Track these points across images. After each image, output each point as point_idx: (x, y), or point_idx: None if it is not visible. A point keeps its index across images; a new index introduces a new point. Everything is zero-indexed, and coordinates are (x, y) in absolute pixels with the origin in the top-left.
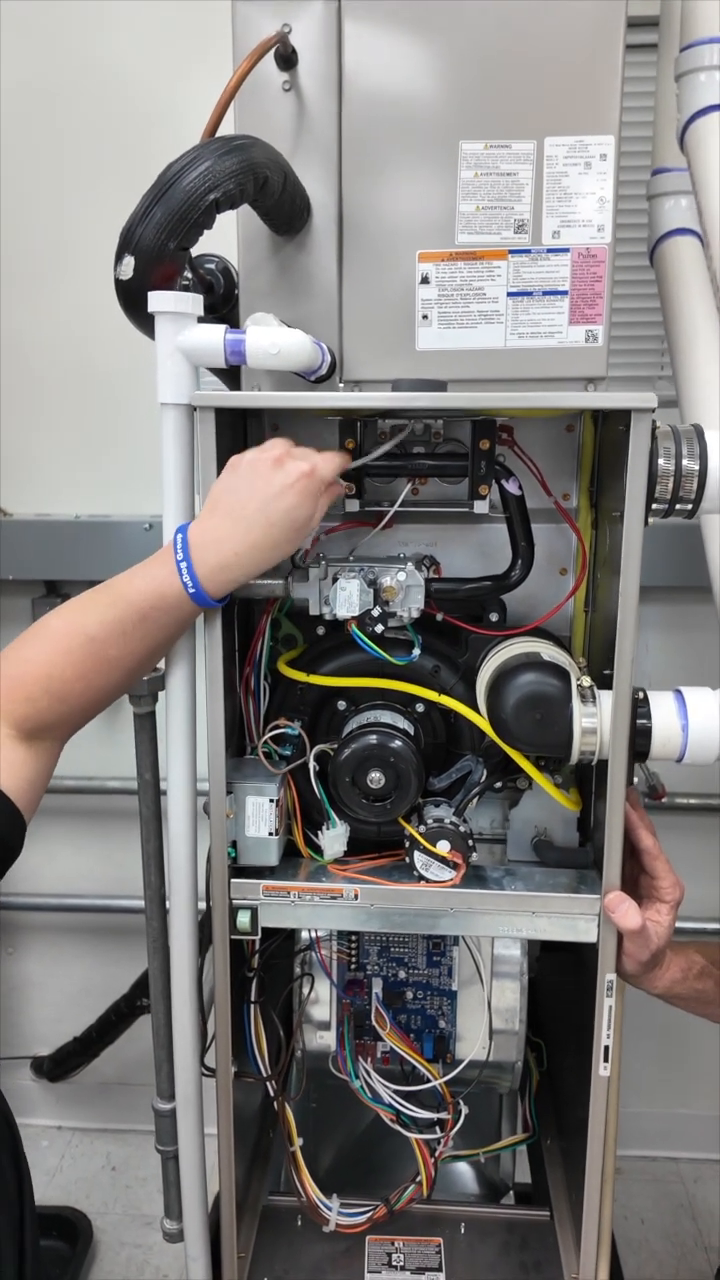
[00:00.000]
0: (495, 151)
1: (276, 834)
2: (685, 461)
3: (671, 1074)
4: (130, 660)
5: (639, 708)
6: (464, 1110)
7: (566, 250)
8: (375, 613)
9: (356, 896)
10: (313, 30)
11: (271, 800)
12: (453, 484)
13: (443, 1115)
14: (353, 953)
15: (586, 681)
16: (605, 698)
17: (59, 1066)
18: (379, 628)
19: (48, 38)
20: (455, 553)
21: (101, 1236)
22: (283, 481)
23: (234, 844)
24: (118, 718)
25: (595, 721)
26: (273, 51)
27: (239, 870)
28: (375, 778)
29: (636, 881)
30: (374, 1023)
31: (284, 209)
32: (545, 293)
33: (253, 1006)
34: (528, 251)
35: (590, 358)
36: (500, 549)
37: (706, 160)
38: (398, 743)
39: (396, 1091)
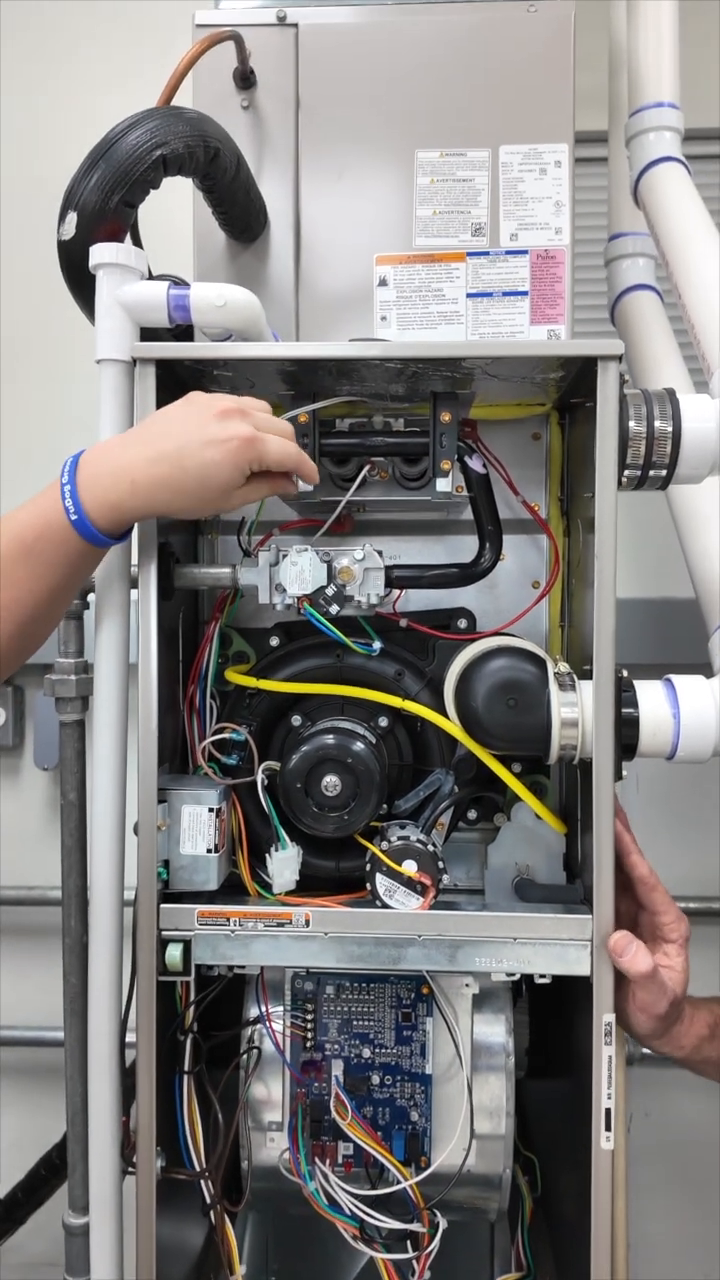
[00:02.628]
0: (451, 159)
1: (216, 851)
2: (657, 423)
3: (701, 1244)
4: (20, 608)
5: (623, 693)
6: (441, 1223)
7: (525, 252)
8: (330, 591)
9: (308, 922)
10: (270, 53)
11: (211, 810)
12: (414, 484)
13: (416, 1228)
14: (309, 1027)
15: (564, 668)
16: (586, 687)
17: None
18: (334, 608)
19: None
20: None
21: None
22: (216, 434)
23: (166, 864)
24: (48, 812)
25: (576, 711)
26: (231, 72)
27: (171, 895)
28: (331, 782)
29: (635, 921)
30: (334, 1113)
31: (238, 200)
32: (505, 293)
33: (185, 1077)
34: (486, 254)
35: None
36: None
37: (661, 201)
38: (358, 745)
39: (360, 1198)
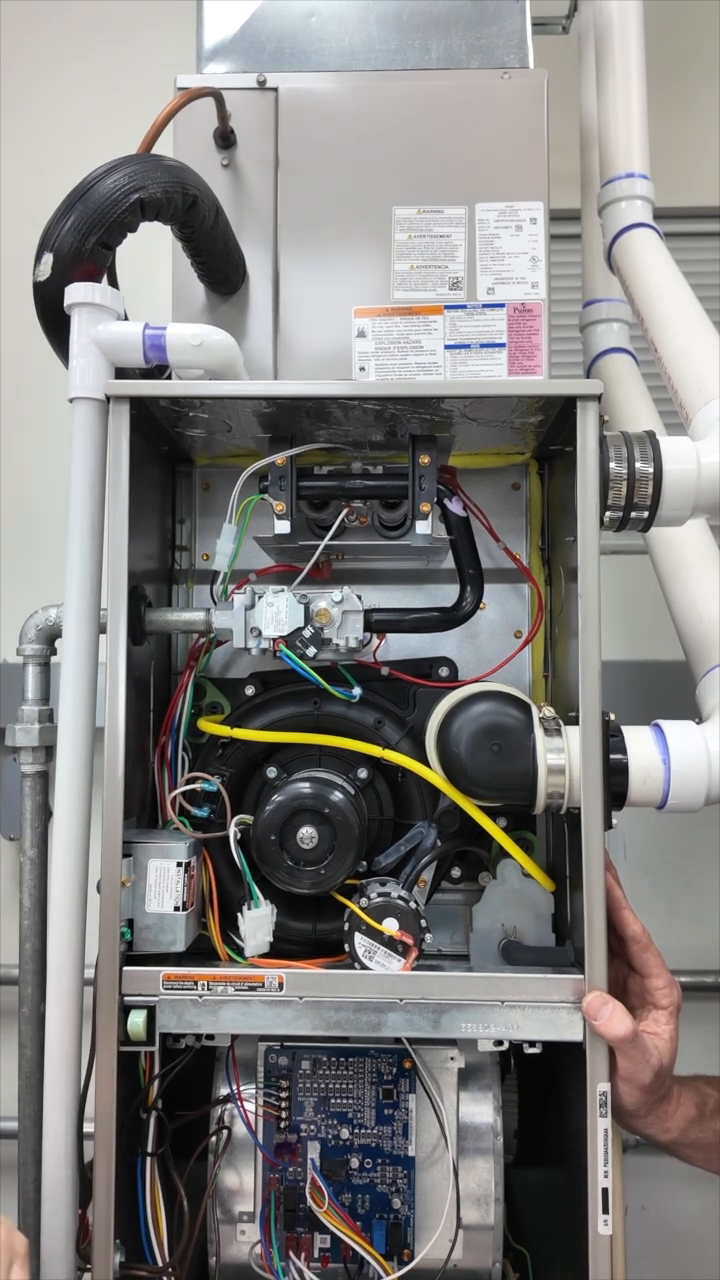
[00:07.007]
0: (428, 216)
1: (185, 909)
2: (638, 464)
3: None
4: None
5: (611, 738)
6: None
7: (502, 305)
8: (307, 633)
9: (281, 985)
10: (250, 115)
11: (180, 864)
12: (394, 532)
13: None
14: (283, 1105)
15: (550, 712)
16: (572, 733)
17: None
18: (312, 651)
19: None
20: None
21: None
22: None
23: (130, 923)
24: (14, 886)
25: (562, 758)
26: (212, 132)
27: (134, 958)
28: (307, 834)
29: (625, 988)
30: (310, 1200)
31: (217, 250)
32: (483, 345)
33: (148, 1160)
34: (463, 307)
35: None
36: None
37: (636, 261)
38: (336, 794)
39: None
